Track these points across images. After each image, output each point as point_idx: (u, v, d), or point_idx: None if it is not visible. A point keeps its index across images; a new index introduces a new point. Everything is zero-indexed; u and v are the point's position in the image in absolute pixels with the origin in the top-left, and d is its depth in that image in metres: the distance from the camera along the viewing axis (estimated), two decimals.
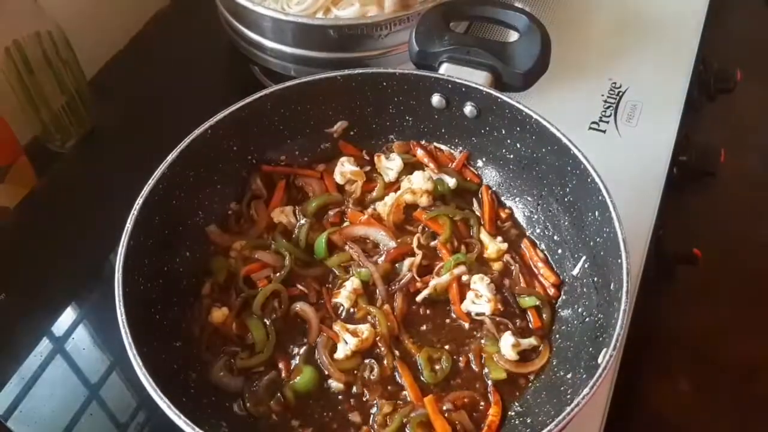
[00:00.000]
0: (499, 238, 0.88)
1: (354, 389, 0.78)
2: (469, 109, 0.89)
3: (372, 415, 0.76)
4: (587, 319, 0.78)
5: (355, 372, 0.79)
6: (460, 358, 0.80)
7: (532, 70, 0.88)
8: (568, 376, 0.74)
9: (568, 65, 1.11)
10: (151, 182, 0.79)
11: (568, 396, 0.71)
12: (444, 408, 0.76)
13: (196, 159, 0.84)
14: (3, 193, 1.02)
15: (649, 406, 0.89)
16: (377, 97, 0.91)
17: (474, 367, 0.79)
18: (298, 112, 0.91)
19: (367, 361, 0.79)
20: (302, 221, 0.89)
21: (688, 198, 1.06)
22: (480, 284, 0.82)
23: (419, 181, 0.90)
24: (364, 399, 0.77)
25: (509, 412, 0.76)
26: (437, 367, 0.79)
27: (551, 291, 0.84)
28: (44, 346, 0.89)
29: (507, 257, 0.87)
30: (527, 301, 0.83)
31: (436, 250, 0.87)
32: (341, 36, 0.98)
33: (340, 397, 0.78)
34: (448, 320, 0.83)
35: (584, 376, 0.71)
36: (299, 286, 0.85)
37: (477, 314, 0.82)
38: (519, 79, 0.89)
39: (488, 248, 0.87)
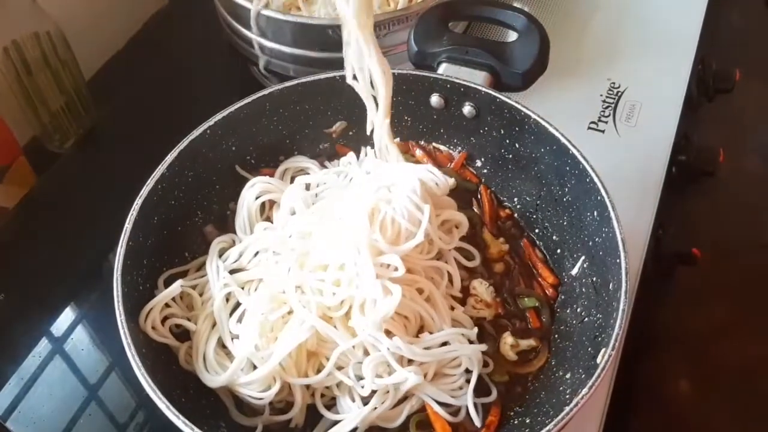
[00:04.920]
0: (501, 239, 0.88)
1: None
2: (467, 109, 0.89)
3: None
4: (586, 319, 0.78)
5: None
6: None
7: (530, 70, 0.88)
8: (567, 376, 0.74)
9: (566, 65, 1.11)
10: (149, 183, 0.79)
11: (567, 396, 0.70)
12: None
13: (195, 159, 0.84)
14: (1, 194, 1.02)
15: (649, 406, 0.89)
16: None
17: None
18: (297, 113, 0.91)
19: None
20: None
21: (687, 198, 1.06)
22: (480, 288, 0.82)
23: None
24: None
25: (508, 412, 0.76)
26: None
27: (550, 292, 0.84)
28: (43, 346, 0.89)
29: (507, 257, 0.87)
30: (526, 302, 0.83)
31: None
32: (340, 36, 0.98)
33: None
34: None
35: (583, 376, 0.71)
36: None
37: (478, 318, 0.81)
38: (518, 79, 0.89)
39: (490, 248, 0.87)
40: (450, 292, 0.81)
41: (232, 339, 0.77)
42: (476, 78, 0.88)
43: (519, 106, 0.84)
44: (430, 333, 0.76)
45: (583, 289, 0.80)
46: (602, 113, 1.08)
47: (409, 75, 0.89)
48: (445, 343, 0.75)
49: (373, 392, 0.73)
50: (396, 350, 0.72)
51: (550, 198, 0.86)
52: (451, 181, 0.90)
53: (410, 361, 0.74)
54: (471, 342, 0.77)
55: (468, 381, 0.75)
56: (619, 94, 1.10)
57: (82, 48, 1.09)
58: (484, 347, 0.77)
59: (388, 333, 0.73)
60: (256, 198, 0.87)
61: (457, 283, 0.81)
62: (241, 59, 1.10)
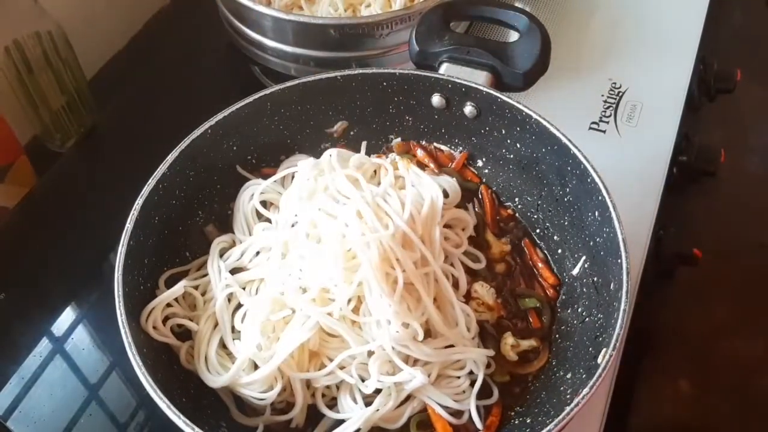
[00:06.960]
0: (503, 239, 0.88)
1: None
2: (469, 109, 0.89)
3: None
4: (587, 320, 0.78)
5: None
6: None
7: (532, 70, 0.88)
8: (568, 376, 0.74)
9: (568, 65, 1.11)
10: (151, 182, 0.79)
11: (568, 396, 0.71)
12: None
13: (196, 159, 0.84)
14: (3, 193, 1.02)
15: (649, 406, 0.89)
16: (377, 97, 0.91)
17: None
18: (298, 112, 0.91)
19: None
20: None
21: (688, 198, 1.06)
22: (482, 291, 0.82)
23: None
24: None
25: (509, 412, 0.76)
26: None
27: (550, 292, 0.84)
28: (44, 346, 0.89)
29: (508, 258, 0.87)
30: (527, 303, 0.83)
31: None
32: (342, 35, 0.98)
33: None
34: None
35: (584, 376, 0.71)
36: None
37: (479, 321, 0.81)
38: (519, 79, 0.89)
39: (492, 249, 0.87)
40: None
41: (234, 339, 0.77)
42: (477, 78, 0.88)
43: (520, 106, 0.84)
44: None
45: (584, 289, 0.80)
46: (603, 113, 1.08)
47: (411, 75, 0.89)
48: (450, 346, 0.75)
49: (376, 393, 0.73)
50: (403, 349, 0.72)
51: (551, 198, 0.86)
52: (453, 181, 0.90)
53: (415, 362, 0.74)
54: None
55: (471, 383, 0.75)
56: (620, 94, 1.10)
57: (84, 47, 1.09)
58: (491, 352, 0.77)
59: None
60: (250, 200, 0.87)
61: (463, 286, 0.81)
62: (243, 59, 1.10)
